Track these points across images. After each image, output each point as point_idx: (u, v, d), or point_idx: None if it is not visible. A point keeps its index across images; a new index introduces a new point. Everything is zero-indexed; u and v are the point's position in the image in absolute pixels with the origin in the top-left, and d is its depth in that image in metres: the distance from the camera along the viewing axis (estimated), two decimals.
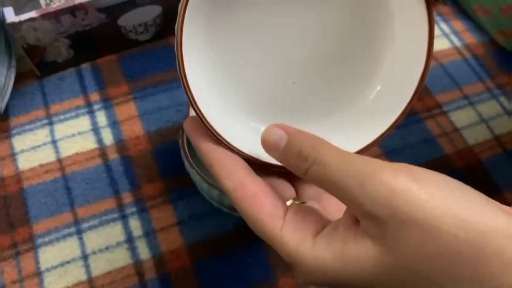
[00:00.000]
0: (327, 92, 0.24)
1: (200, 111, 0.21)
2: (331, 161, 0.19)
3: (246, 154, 0.22)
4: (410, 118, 0.43)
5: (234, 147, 0.22)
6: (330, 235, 0.20)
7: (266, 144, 0.21)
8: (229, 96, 0.23)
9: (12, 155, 0.39)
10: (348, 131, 0.24)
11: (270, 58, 0.23)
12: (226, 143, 0.22)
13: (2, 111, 0.37)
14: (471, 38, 0.49)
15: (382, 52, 0.24)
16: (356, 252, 0.18)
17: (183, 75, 0.21)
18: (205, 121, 0.22)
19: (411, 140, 0.42)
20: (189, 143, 0.34)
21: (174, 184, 0.38)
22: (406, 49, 0.23)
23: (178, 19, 0.21)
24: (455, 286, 0.17)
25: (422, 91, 0.44)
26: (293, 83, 0.24)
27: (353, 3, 0.23)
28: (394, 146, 0.41)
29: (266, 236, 0.21)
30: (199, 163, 0.34)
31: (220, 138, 0.22)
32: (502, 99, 0.46)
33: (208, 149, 0.22)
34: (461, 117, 0.44)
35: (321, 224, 0.21)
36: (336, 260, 0.19)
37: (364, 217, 0.18)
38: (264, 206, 0.21)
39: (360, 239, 0.18)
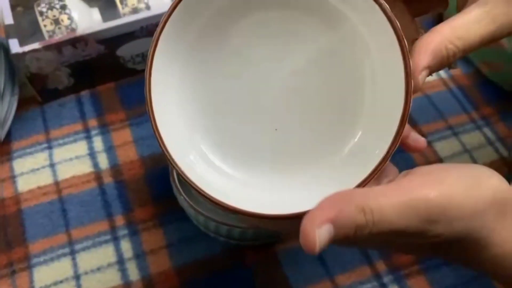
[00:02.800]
0: (309, 140, 0.25)
1: (172, 158, 0.22)
2: (383, 222, 0.20)
3: (226, 205, 0.23)
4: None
5: (212, 197, 0.23)
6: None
7: (321, 248, 0.19)
8: (208, 144, 0.25)
9: (12, 177, 0.41)
10: (329, 179, 0.24)
11: (251, 103, 0.25)
12: (199, 189, 0.23)
13: (2, 139, 0.39)
14: (456, 69, 0.51)
15: (363, 96, 0.24)
16: None
17: (152, 118, 0.22)
18: (177, 168, 0.23)
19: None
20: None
21: (165, 208, 0.40)
22: (385, 94, 0.23)
23: (147, 66, 0.22)
24: None
25: (408, 122, 0.46)
26: (276, 129, 0.25)
27: (333, 45, 0.24)
28: None
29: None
30: (186, 189, 0.35)
31: (194, 186, 0.23)
32: (486, 129, 0.47)
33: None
34: (445, 147, 0.45)
35: None
36: None
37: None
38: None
39: None
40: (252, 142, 0.25)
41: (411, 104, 0.22)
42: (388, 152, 0.22)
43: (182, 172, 0.23)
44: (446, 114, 0.47)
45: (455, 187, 0.21)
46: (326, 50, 0.24)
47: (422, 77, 0.23)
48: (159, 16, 0.41)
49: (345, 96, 0.25)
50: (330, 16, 0.24)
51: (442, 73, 0.50)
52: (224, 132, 0.25)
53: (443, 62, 0.24)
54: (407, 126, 0.27)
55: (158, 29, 0.23)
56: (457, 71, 0.51)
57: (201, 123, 0.25)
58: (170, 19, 0.23)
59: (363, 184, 0.23)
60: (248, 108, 0.25)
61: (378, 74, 0.24)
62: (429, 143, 0.45)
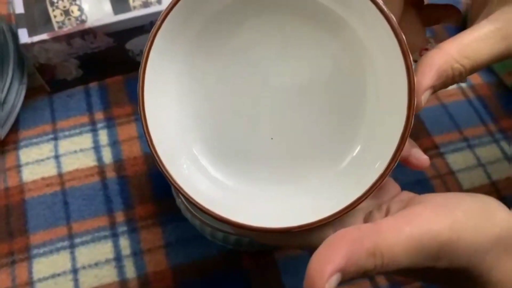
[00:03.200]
0: (305, 152, 0.24)
1: (160, 160, 0.22)
2: (394, 263, 0.19)
3: (214, 213, 0.22)
4: None
5: (199, 203, 0.22)
6: None
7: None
8: (201, 148, 0.24)
9: (18, 167, 0.41)
10: (323, 194, 0.23)
11: (247, 110, 0.24)
12: (186, 195, 0.22)
13: (2, 138, 0.39)
14: (477, 78, 0.49)
15: (364, 110, 0.23)
16: None
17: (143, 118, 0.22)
18: (165, 171, 0.22)
19: (403, 180, 0.41)
20: None
21: (165, 207, 0.39)
22: (387, 109, 0.23)
23: (141, 64, 0.22)
24: None
25: (420, 131, 0.44)
26: (271, 139, 0.24)
27: (336, 55, 0.23)
28: None
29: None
30: None
31: (183, 192, 0.22)
32: (503, 143, 0.45)
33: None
34: (458, 160, 0.43)
35: None
36: None
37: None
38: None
39: None
40: (246, 150, 0.24)
41: (412, 122, 0.21)
42: (386, 169, 0.22)
43: (170, 175, 0.22)
44: (462, 125, 0.45)
45: (465, 223, 0.20)
46: (328, 60, 0.23)
47: (424, 97, 0.22)
48: None
49: (346, 109, 0.24)
50: (334, 25, 0.23)
51: None
52: (218, 138, 0.24)
53: (448, 82, 0.23)
54: (409, 143, 0.26)
55: (155, 27, 0.22)
56: (477, 80, 0.49)
57: (195, 126, 0.24)
58: (167, 18, 0.22)
59: (359, 201, 0.22)
60: (244, 115, 0.24)
61: (381, 89, 0.23)
62: (442, 154, 0.44)
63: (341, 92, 0.23)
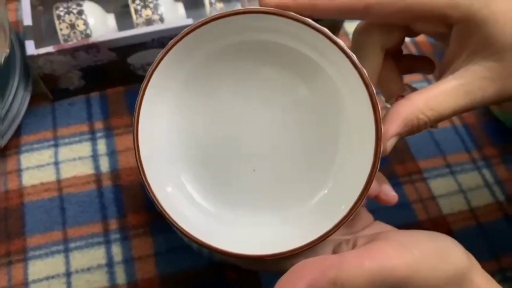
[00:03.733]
0: (281, 186, 0.26)
1: (149, 185, 0.24)
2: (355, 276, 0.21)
3: (195, 237, 0.24)
4: (390, 180, 0.44)
5: (183, 229, 0.25)
6: None
7: None
8: (188, 176, 0.26)
9: (18, 171, 0.43)
10: (297, 226, 0.25)
11: (232, 144, 0.26)
12: (172, 221, 0.24)
13: (2, 146, 0.41)
14: None
15: (335, 152, 0.26)
16: None
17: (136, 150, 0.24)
18: (152, 196, 0.24)
19: None
20: None
21: (157, 218, 0.41)
22: (356, 153, 0.25)
23: (138, 96, 0.24)
24: None
25: (406, 155, 0.46)
26: (254, 170, 0.26)
27: (310, 99, 0.25)
28: (369, 205, 0.43)
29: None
30: None
31: (173, 223, 0.24)
32: (485, 171, 0.47)
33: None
34: (440, 185, 0.45)
35: None
36: None
37: None
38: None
39: None
40: (230, 180, 0.27)
41: (378, 167, 0.23)
42: (351, 209, 0.24)
43: (157, 200, 0.24)
44: (446, 151, 0.47)
45: (422, 262, 0.22)
46: (303, 103, 0.25)
47: (390, 143, 0.24)
48: (171, 30, 0.42)
49: (318, 153, 0.26)
50: (309, 71, 0.25)
51: None
52: (204, 167, 0.27)
53: (414, 130, 0.25)
54: (381, 179, 0.28)
55: (152, 66, 0.24)
56: None
57: (184, 156, 0.26)
58: (163, 60, 0.24)
59: (327, 234, 0.24)
60: (229, 148, 0.26)
61: (353, 132, 0.25)
62: (425, 179, 0.46)
63: (315, 137, 0.25)
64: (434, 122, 0.24)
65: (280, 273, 0.25)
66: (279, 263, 0.24)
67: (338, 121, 0.25)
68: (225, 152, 0.26)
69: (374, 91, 0.23)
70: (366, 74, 0.22)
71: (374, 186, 0.25)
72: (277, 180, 0.26)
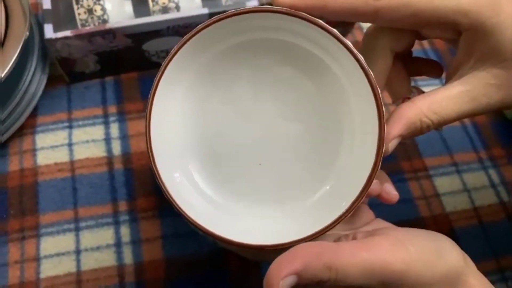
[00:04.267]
0: (285, 180, 0.27)
1: (157, 171, 0.25)
2: (348, 279, 0.22)
3: (199, 225, 0.25)
4: (395, 176, 0.46)
5: (188, 215, 0.26)
6: None
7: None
8: (196, 165, 0.27)
9: (34, 150, 0.44)
10: (300, 219, 0.26)
11: (239, 137, 0.27)
12: (178, 207, 0.25)
13: (2, 141, 0.42)
14: None
15: (339, 149, 0.26)
16: None
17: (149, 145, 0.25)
18: (160, 182, 0.25)
19: None
20: None
21: (165, 202, 0.42)
22: (359, 151, 0.25)
23: (151, 90, 0.25)
24: None
25: (412, 152, 0.47)
26: (259, 164, 0.27)
27: (317, 96, 0.26)
28: (372, 200, 0.44)
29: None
30: None
31: (184, 213, 0.25)
32: (491, 171, 0.47)
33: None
34: (444, 183, 0.46)
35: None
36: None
37: None
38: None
39: None
40: (236, 171, 0.27)
41: (379, 166, 0.24)
42: (351, 205, 0.24)
43: (164, 186, 0.25)
44: (454, 150, 0.48)
45: (417, 259, 0.23)
46: (310, 101, 0.26)
47: (392, 144, 0.25)
48: (186, 18, 0.43)
49: (323, 146, 0.26)
50: (317, 70, 0.25)
51: None
52: (212, 158, 0.27)
53: (417, 133, 0.25)
54: (383, 177, 0.29)
55: (167, 59, 0.25)
56: None
57: (193, 146, 0.27)
58: (178, 52, 0.25)
59: (327, 229, 0.25)
60: (236, 141, 0.27)
61: (357, 131, 0.25)
62: (430, 177, 0.46)
63: (320, 134, 0.26)
64: (437, 126, 0.25)
65: None
66: (279, 254, 0.25)
67: (343, 120, 0.26)
68: (232, 145, 0.27)
69: (380, 93, 0.23)
70: (373, 76, 0.23)
71: (375, 185, 0.25)
72: (281, 174, 0.27)
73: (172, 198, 0.25)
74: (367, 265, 0.22)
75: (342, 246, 0.23)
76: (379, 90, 0.23)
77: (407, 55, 0.30)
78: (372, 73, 0.23)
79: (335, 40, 0.23)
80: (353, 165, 0.25)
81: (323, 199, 0.26)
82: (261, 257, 0.27)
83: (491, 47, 0.23)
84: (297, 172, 0.27)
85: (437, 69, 0.31)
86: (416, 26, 0.26)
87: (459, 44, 0.25)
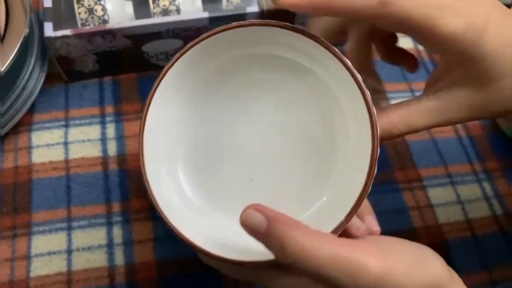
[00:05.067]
0: (279, 196, 0.27)
1: (155, 199, 0.25)
2: (316, 257, 0.21)
3: (175, 229, 0.25)
4: (389, 186, 0.46)
5: (166, 217, 0.25)
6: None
7: (246, 227, 0.22)
8: (185, 168, 0.27)
9: (29, 148, 0.44)
10: None
11: (232, 151, 0.27)
12: (155, 204, 0.25)
13: (1, 134, 0.42)
14: None
15: (334, 161, 0.26)
16: None
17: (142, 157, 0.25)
18: (161, 213, 0.25)
19: (383, 206, 0.44)
20: None
21: None
22: (351, 166, 0.25)
23: (149, 94, 0.25)
24: None
25: (407, 162, 0.47)
26: (251, 180, 0.27)
27: (310, 107, 0.26)
28: None
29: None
30: None
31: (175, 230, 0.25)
32: (485, 184, 0.47)
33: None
34: (438, 194, 0.46)
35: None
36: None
37: None
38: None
39: None
40: (227, 186, 0.27)
41: (371, 184, 0.24)
42: (344, 220, 0.24)
43: (147, 181, 0.25)
44: (449, 161, 0.48)
45: (397, 265, 0.23)
46: (303, 113, 0.26)
47: None
48: (187, 21, 0.43)
49: (317, 164, 0.26)
50: (306, 76, 0.25)
51: None
52: (203, 170, 0.27)
53: (385, 139, 0.26)
54: (365, 210, 0.28)
55: (168, 65, 0.25)
56: None
57: (185, 153, 0.27)
58: (179, 60, 0.25)
59: None
60: (228, 156, 0.27)
61: (350, 144, 0.25)
62: (424, 187, 0.46)
63: (313, 147, 0.26)
64: (405, 134, 0.26)
65: (259, 283, 0.26)
66: (258, 273, 0.25)
67: (336, 126, 0.26)
68: (225, 157, 0.27)
69: (368, 93, 0.23)
70: (359, 76, 0.23)
71: (356, 221, 0.25)
72: (274, 191, 0.27)
73: (154, 198, 0.25)
74: (339, 256, 0.21)
75: (320, 233, 0.22)
76: (369, 94, 0.23)
77: (391, 41, 0.31)
78: (361, 79, 0.23)
79: (329, 53, 0.23)
80: (345, 183, 0.25)
81: (313, 217, 0.26)
82: (241, 276, 0.26)
83: (471, 72, 0.24)
84: (291, 189, 0.27)
85: (412, 64, 0.32)
86: (410, 34, 0.26)
87: (440, 61, 0.26)
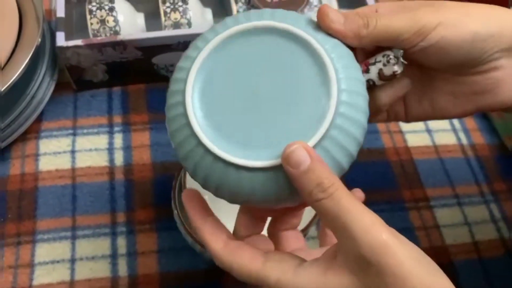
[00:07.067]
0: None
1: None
2: (344, 201, 0.23)
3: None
4: (395, 204, 0.45)
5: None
6: (310, 267, 0.24)
7: (289, 159, 0.23)
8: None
9: (36, 155, 0.44)
10: None
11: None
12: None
13: (2, 147, 0.42)
14: (480, 138, 0.50)
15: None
16: (336, 281, 0.23)
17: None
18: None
19: (389, 225, 0.44)
20: (180, 187, 0.38)
21: (163, 215, 0.42)
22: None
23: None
24: None
25: (414, 182, 0.46)
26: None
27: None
28: None
29: (251, 275, 0.25)
30: (182, 207, 0.38)
31: None
32: (493, 206, 0.47)
33: (197, 218, 0.27)
34: (445, 215, 0.45)
35: (300, 260, 0.25)
36: (316, 286, 0.23)
37: (356, 257, 0.22)
38: (246, 251, 0.25)
39: (340, 272, 0.23)
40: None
41: None
42: None
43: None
44: (456, 182, 0.47)
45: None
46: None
47: None
48: (197, 35, 0.43)
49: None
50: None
51: (463, 139, 0.50)
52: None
53: None
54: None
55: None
56: (480, 140, 0.50)
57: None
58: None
59: None
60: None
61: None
62: (431, 208, 0.46)
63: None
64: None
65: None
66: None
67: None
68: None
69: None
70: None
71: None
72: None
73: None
74: (360, 207, 0.23)
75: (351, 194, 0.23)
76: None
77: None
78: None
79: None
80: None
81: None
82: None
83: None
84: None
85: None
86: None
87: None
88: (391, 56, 0.27)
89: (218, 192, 0.26)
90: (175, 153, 0.27)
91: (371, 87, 0.28)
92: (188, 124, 0.26)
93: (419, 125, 0.51)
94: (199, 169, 0.26)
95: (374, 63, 0.28)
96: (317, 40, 0.26)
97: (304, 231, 0.36)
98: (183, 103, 0.26)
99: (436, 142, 0.50)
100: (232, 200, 0.27)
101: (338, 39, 0.27)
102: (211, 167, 0.25)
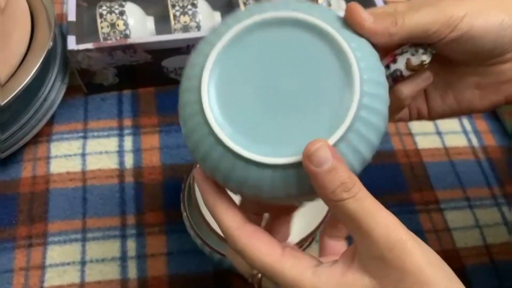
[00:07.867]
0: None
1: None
2: (368, 202, 0.22)
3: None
4: (405, 207, 0.45)
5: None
6: (329, 268, 0.24)
7: (311, 157, 0.23)
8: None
9: (47, 158, 0.45)
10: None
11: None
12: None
13: (1, 158, 0.43)
14: (491, 140, 0.50)
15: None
16: (356, 283, 0.23)
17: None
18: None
19: None
20: (189, 190, 0.38)
21: (172, 218, 0.43)
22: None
23: None
24: None
25: (423, 184, 0.46)
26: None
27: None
28: None
29: (264, 265, 0.24)
30: (191, 209, 0.38)
31: None
32: (505, 208, 0.46)
33: (211, 194, 0.26)
34: (456, 218, 0.45)
35: (317, 261, 0.24)
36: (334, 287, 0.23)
37: (376, 258, 0.22)
38: (263, 238, 0.25)
39: (360, 274, 0.23)
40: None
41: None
42: None
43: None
44: (466, 184, 0.47)
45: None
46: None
47: None
48: None
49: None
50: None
51: (474, 141, 0.50)
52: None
53: None
54: None
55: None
56: (491, 142, 0.50)
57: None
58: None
59: None
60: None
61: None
62: (442, 210, 0.45)
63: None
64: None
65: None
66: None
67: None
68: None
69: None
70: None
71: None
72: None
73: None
74: (381, 208, 0.22)
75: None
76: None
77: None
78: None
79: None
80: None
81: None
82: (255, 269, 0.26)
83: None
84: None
85: None
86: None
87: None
88: (419, 46, 0.27)
89: (239, 190, 0.26)
90: (191, 153, 0.26)
91: (397, 79, 0.28)
92: (206, 123, 0.24)
93: (429, 127, 0.50)
94: (218, 169, 0.25)
95: (401, 53, 0.27)
96: (344, 38, 0.25)
97: (312, 234, 0.36)
98: (199, 101, 0.25)
99: (446, 144, 0.49)
100: (254, 197, 0.26)
101: (364, 37, 0.26)
102: (232, 166, 0.24)
